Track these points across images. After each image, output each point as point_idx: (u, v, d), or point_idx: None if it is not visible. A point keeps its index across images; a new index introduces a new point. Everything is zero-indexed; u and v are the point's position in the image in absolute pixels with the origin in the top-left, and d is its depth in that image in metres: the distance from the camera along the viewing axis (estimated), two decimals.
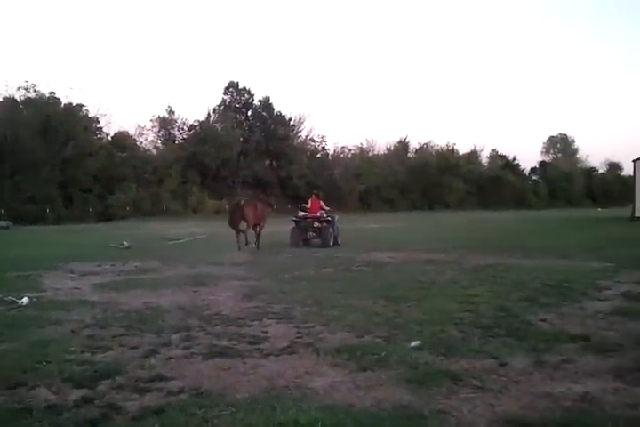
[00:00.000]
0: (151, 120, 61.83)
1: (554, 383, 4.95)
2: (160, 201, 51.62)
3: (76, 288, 10.55)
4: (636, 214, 39.39)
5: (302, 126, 70.04)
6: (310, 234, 20.08)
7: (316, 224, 19.90)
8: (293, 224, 20.32)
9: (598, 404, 4.44)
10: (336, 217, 20.80)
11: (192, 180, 55.15)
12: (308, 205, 20.62)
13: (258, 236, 19.23)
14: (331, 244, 19.47)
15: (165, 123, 61.61)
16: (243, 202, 19.47)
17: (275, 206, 22.82)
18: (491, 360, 5.63)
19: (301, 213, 20.37)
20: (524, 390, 4.80)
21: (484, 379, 5.06)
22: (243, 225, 18.74)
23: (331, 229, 19.82)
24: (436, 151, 79.03)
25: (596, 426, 3.95)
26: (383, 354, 5.81)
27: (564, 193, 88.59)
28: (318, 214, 20.03)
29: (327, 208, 20.53)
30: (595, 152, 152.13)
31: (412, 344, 6.20)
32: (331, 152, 72.27)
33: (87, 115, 53.55)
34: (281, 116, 67.33)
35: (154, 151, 60.65)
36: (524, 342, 6.26)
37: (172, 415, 4.24)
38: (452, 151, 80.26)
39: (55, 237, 27.99)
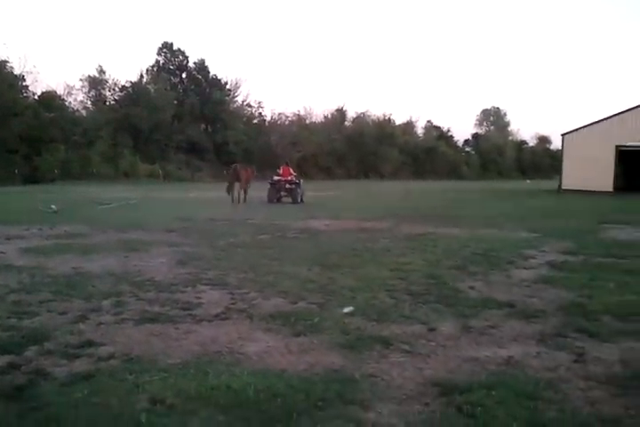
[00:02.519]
0: (81, 80, 59.21)
1: (480, 348, 5.14)
2: (90, 164, 49.84)
3: (2, 252, 10.15)
4: (563, 187, 40.85)
5: (239, 91, 68.71)
6: (282, 193, 25.81)
7: (287, 186, 25.67)
8: (269, 186, 25.89)
9: (521, 367, 4.65)
10: (301, 181, 26.68)
11: (123, 143, 53.37)
12: (280, 171, 26.45)
13: (245, 193, 25.05)
14: (298, 201, 25.30)
15: (96, 83, 59.14)
16: (238, 167, 25.68)
17: (255, 173, 28.23)
18: (420, 326, 5.79)
19: (276, 178, 26.03)
20: (451, 354, 4.97)
21: (413, 344, 5.21)
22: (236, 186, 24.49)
23: (298, 190, 25.74)
24: (373, 121, 79.23)
25: (518, 388, 4.12)
26: (316, 320, 5.88)
27: (496, 165, 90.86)
28: (289, 178, 25.88)
29: (295, 173, 26.77)
30: (526, 125, 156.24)
31: (345, 310, 6.30)
32: (268, 119, 71.46)
33: (12, 72, 50.87)
34: (217, 80, 65.72)
35: (83, 112, 58.28)
36: (453, 309, 6.47)
37: (102, 381, 4.18)
38: (389, 121, 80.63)
39: None
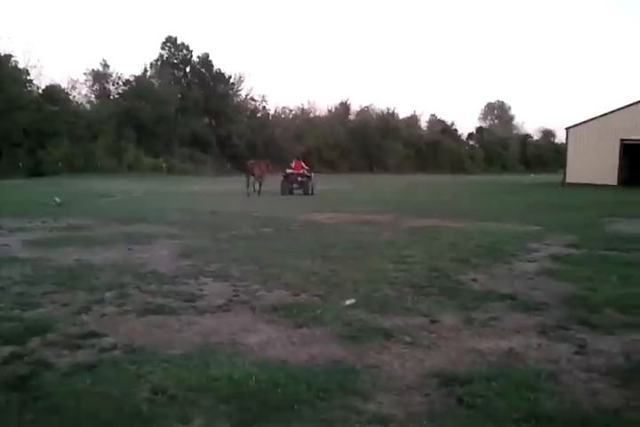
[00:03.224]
0: (85, 73, 59.43)
1: (481, 340, 5.14)
2: (94, 157, 49.87)
3: (5, 245, 10.19)
4: (567, 180, 40.76)
5: (242, 85, 68.66)
6: (295, 185, 27.51)
7: (300, 178, 27.44)
8: (283, 178, 27.65)
9: (522, 359, 4.65)
10: (312, 174, 28.09)
11: (127, 136, 53.35)
12: (293, 165, 28.25)
13: (260, 185, 26.82)
14: (309, 193, 26.94)
15: (100, 77, 59.20)
16: (253, 162, 27.70)
17: (270, 167, 29.45)
18: (422, 318, 5.79)
19: (288, 171, 27.86)
20: (452, 345, 4.97)
21: (415, 335, 5.21)
22: (251, 178, 26.47)
23: (310, 183, 27.31)
24: (377, 114, 79.11)
25: (519, 379, 4.13)
26: (318, 312, 5.89)
27: (500, 158, 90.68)
28: (301, 171, 27.61)
29: (307, 167, 28.40)
30: (530, 119, 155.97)
31: (347, 302, 6.31)
32: (271, 112, 71.42)
33: (16, 66, 50.90)
34: (220, 74, 65.61)
35: (87, 106, 58.38)
36: (455, 301, 6.47)
37: (104, 371, 4.20)
38: (393, 115, 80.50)
39: None
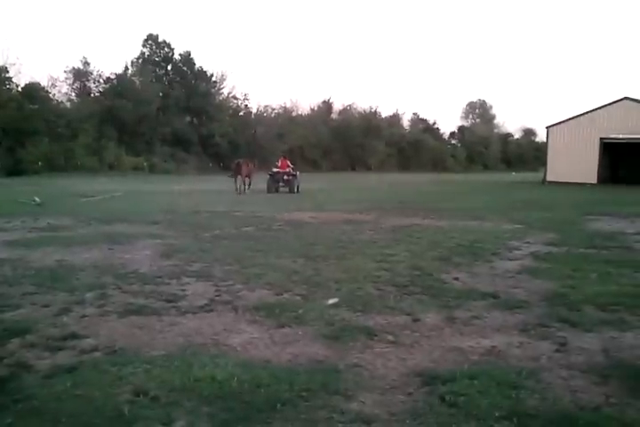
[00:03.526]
0: (65, 71, 58.73)
1: (463, 338, 5.17)
2: (74, 156, 49.34)
3: None
4: (548, 179, 41.12)
5: (224, 83, 68.29)
6: (281, 184, 27.96)
7: (285, 177, 27.99)
8: (269, 177, 28.20)
9: (504, 357, 4.68)
10: (298, 173, 28.67)
11: (108, 135, 52.83)
12: (279, 164, 28.83)
13: (248, 184, 27.60)
14: (295, 191, 27.43)
15: (80, 75, 58.54)
16: (241, 161, 27.84)
17: (256, 166, 30.45)
18: (405, 316, 5.82)
19: (275, 169, 28.45)
20: (435, 344, 5.00)
21: (397, 334, 5.23)
22: (239, 177, 26.84)
23: (295, 181, 27.90)
24: (359, 113, 79.17)
25: (500, 377, 4.16)
26: (301, 311, 5.89)
27: (481, 157, 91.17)
28: (287, 170, 28.22)
29: (292, 166, 29.04)
30: (511, 118, 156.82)
31: (330, 302, 6.31)
32: (254, 111, 71.15)
33: None
34: (202, 72, 65.22)
35: (68, 104, 57.68)
36: (437, 300, 6.50)
37: (85, 373, 4.17)
38: (375, 114, 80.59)
39: None
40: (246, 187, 27.34)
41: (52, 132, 49.81)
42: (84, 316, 5.73)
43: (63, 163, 48.34)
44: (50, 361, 4.45)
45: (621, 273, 8.12)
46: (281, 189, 27.93)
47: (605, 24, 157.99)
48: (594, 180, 38.80)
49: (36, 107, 50.31)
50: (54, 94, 56.37)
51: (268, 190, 27.54)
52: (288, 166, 28.62)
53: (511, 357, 4.69)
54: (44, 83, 54.97)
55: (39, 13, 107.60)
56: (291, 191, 27.44)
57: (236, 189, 26.60)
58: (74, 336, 5.03)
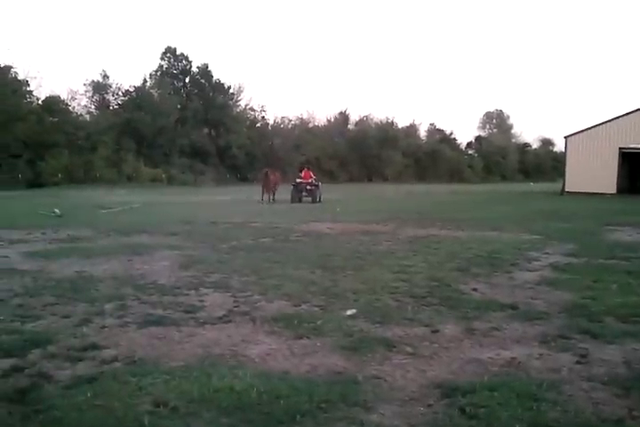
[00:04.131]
0: (84, 84, 59.42)
1: (483, 349, 5.14)
2: (93, 168, 49.84)
3: (5, 256, 10.19)
4: (567, 189, 40.76)
5: (242, 95, 68.69)
6: (304, 194, 29.15)
7: (308, 187, 29.21)
8: (292, 187, 29.55)
9: (524, 368, 4.65)
10: (320, 183, 30.10)
11: (127, 147, 53.31)
12: (302, 175, 30.16)
13: (274, 193, 29.06)
14: (317, 200, 28.62)
15: (99, 87, 59.22)
16: (269, 172, 29.68)
17: (281, 176, 31.96)
18: (423, 328, 5.79)
19: (298, 180, 29.81)
20: (454, 356, 4.97)
21: (416, 346, 5.21)
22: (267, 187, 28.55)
23: (318, 191, 29.10)
24: (376, 124, 79.14)
25: (521, 389, 4.12)
26: (319, 322, 5.89)
27: (499, 167, 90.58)
28: (310, 181, 29.48)
29: (314, 177, 30.20)
30: (529, 128, 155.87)
31: (348, 313, 6.31)
32: (271, 122, 71.41)
33: (16, 77, 51.02)
34: (220, 84, 65.72)
35: (87, 117, 58.32)
36: (456, 311, 6.46)
37: (105, 384, 4.20)
38: (392, 124, 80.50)
39: None
40: (272, 196, 28.65)
41: (72, 144, 50.40)
42: (103, 326, 5.78)
43: (82, 175, 48.85)
44: (70, 372, 4.49)
45: None
46: (304, 198, 28.95)
47: (626, 33, 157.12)
48: (613, 190, 38.41)
49: (56, 120, 50.98)
50: (74, 107, 57.10)
51: (292, 200, 28.62)
52: (311, 177, 29.71)
53: (531, 368, 4.65)
54: (63, 96, 55.69)
55: (59, 27, 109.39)
56: (313, 201, 28.39)
57: (262, 199, 28.14)
58: (94, 347, 5.07)
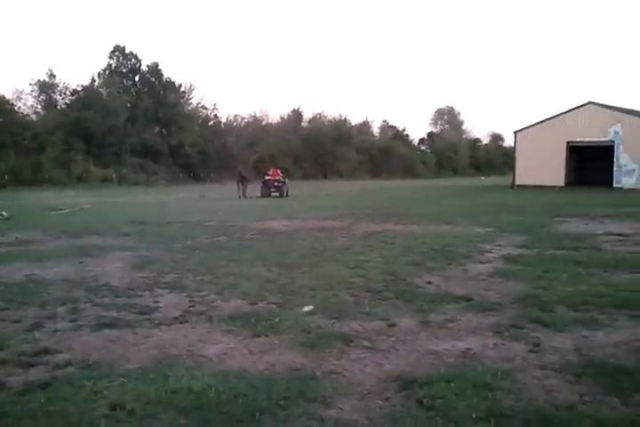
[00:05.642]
0: (30, 84, 57.94)
1: (438, 341, 5.21)
2: (41, 169, 48.67)
3: None
4: (517, 182, 41.67)
5: (193, 93, 67.95)
6: (272, 189, 32.83)
7: (276, 184, 33.05)
8: (262, 184, 33.07)
9: (479, 359, 4.73)
10: (287, 180, 34.42)
11: (76, 147, 52.09)
12: (270, 173, 34.10)
13: (245, 189, 32.13)
14: (284, 195, 32.22)
15: (46, 87, 57.74)
16: (242, 170, 34.53)
17: (252, 174, 37.37)
18: (380, 322, 5.84)
19: (267, 177, 33.55)
20: (411, 348, 5.02)
21: (373, 340, 5.25)
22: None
23: (285, 187, 32.98)
24: (329, 121, 79.40)
25: (476, 379, 4.19)
26: (276, 320, 5.88)
27: (451, 162, 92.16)
28: (277, 178, 33.34)
29: (282, 175, 34.31)
30: (479, 124, 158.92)
31: (305, 309, 6.32)
32: (223, 120, 70.92)
33: None
34: (170, 83, 64.83)
35: (34, 117, 56.89)
36: (411, 304, 6.54)
37: (60, 389, 4.10)
38: (345, 122, 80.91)
39: None
40: (244, 193, 31.73)
41: (19, 145, 49.01)
42: (56, 330, 5.64)
43: (30, 176, 47.57)
44: (23, 378, 4.37)
45: (591, 273, 8.27)
46: (272, 194, 32.46)
47: (569, 29, 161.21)
48: (561, 183, 39.47)
49: (1, 120, 49.53)
50: (19, 107, 55.55)
51: (262, 195, 32.09)
52: (278, 175, 33.65)
53: (486, 358, 4.73)
54: (8, 96, 54.15)
55: (3, 25, 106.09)
56: (281, 196, 32.16)
57: (239, 194, 31.51)
58: (46, 352, 4.95)
